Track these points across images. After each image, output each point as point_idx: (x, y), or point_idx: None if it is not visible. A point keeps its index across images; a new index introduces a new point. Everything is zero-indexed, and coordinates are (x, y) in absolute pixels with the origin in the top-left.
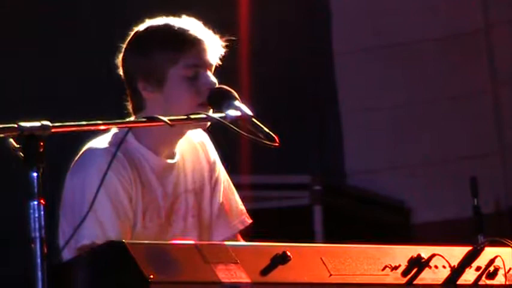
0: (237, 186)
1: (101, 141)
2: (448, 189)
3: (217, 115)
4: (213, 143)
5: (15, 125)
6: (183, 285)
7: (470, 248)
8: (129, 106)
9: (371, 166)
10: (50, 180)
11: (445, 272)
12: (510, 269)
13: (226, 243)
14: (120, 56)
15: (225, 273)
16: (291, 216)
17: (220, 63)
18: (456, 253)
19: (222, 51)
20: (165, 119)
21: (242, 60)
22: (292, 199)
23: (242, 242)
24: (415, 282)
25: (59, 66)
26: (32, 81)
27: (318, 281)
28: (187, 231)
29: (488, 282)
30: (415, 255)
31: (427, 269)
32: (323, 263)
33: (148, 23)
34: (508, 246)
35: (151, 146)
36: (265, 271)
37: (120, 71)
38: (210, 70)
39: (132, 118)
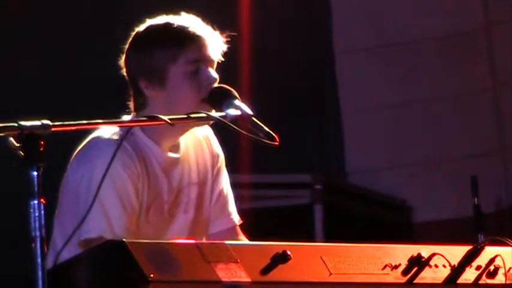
0: (238, 185)
1: (108, 132)
2: (448, 188)
3: (217, 114)
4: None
5: (16, 124)
6: (184, 284)
7: (470, 247)
8: (131, 105)
9: (371, 165)
10: (50, 179)
11: (446, 271)
12: (510, 268)
13: (227, 242)
14: (123, 56)
15: (225, 272)
16: (291, 215)
17: (222, 59)
18: (456, 252)
19: (223, 47)
20: (166, 118)
21: (242, 60)
22: (292, 198)
23: (242, 242)
24: (415, 281)
25: (59, 66)
26: (32, 81)
27: (318, 280)
28: (188, 223)
29: (489, 281)
30: (416, 255)
31: (427, 268)
32: (323, 262)
33: (149, 22)
34: (508, 245)
35: (156, 139)
36: (266, 270)
37: (123, 72)
38: (212, 66)
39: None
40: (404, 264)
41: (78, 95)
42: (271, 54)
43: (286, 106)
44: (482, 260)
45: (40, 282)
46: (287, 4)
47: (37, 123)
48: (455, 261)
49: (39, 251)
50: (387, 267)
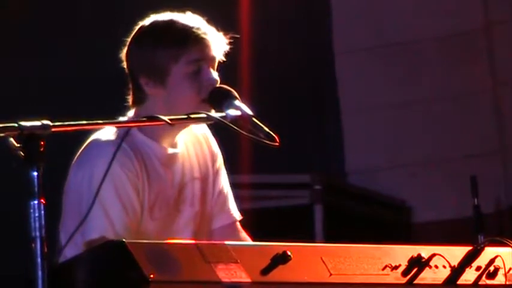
0: (237, 186)
1: (107, 133)
2: (448, 188)
3: (217, 115)
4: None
5: (16, 124)
6: (183, 285)
7: (470, 247)
8: (130, 99)
9: (371, 165)
10: (50, 180)
11: (445, 272)
12: (510, 268)
13: (227, 242)
14: (125, 50)
15: (225, 273)
16: (291, 215)
17: (224, 59)
18: (456, 253)
19: (225, 47)
20: (166, 118)
21: (242, 60)
22: (292, 198)
23: (242, 242)
24: (415, 282)
25: (59, 66)
26: (32, 81)
27: (318, 280)
28: (194, 218)
29: (489, 282)
30: (415, 255)
31: (427, 268)
32: (323, 262)
33: (154, 17)
34: (508, 246)
35: (154, 136)
36: (266, 271)
37: (124, 65)
38: (213, 66)
39: (132, 112)
40: (404, 264)
41: (78, 95)
42: (271, 54)
43: (286, 106)
44: (482, 260)
45: (40, 282)
46: (287, 4)
47: (37, 123)
48: (455, 262)
49: (39, 251)
50: (387, 268)
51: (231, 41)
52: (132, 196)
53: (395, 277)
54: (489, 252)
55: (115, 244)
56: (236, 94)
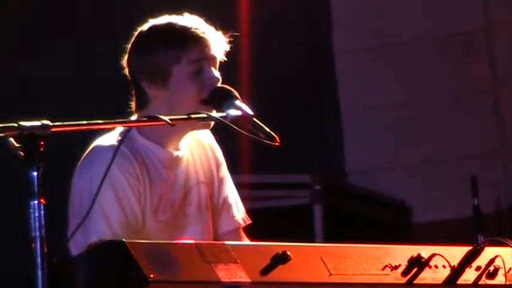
0: (238, 186)
1: (107, 139)
2: (448, 188)
3: (218, 114)
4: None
5: (16, 125)
6: (183, 285)
7: (470, 247)
8: (133, 104)
9: (371, 165)
10: (50, 180)
11: (445, 272)
12: (510, 268)
13: (227, 242)
14: (125, 56)
15: (225, 273)
16: (291, 215)
17: (225, 59)
18: (456, 253)
19: (225, 46)
20: (166, 118)
21: (242, 60)
22: (292, 198)
23: (242, 242)
24: (415, 281)
25: (59, 66)
26: (32, 81)
27: (318, 280)
28: (201, 222)
29: (488, 282)
30: (415, 255)
31: (427, 268)
32: (323, 262)
33: (152, 22)
34: (508, 246)
35: (157, 140)
36: (265, 271)
37: (126, 71)
38: (214, 66)
39: (135, 117)
40: (404, 264)
41: (78, 95)
42: (271, 54)
43: (286, 106)
44: (482, 260)
45: (40, 282)
46: (287, 4)
47: (37, 123)
48: (455, 262)
49: (39, 251)
50: (387, 268)
51: (231, 40)
52: (132, 199)
53: (395, 277)
54: (489, 252)
55: (115, 244)
56: (237, 94)
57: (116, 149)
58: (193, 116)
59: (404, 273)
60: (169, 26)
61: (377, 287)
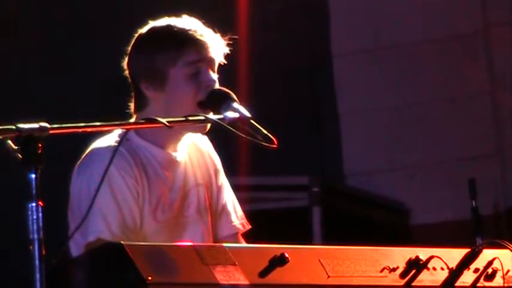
0: (236, 188)
1: (105, 141)
2: (446, 190)
3: (215, 117)
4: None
5: (14, 127)
6: (181, 287)
7: (468, 249)
8: (132, 106)
9: (370, 167)
10: (48, 182)
11: (443, 274)
12: (508, 270)
13: (225, 244)
14: (126, 59)
15: (223, 275)
16: (289, 217)
17: (225, 62)
18: (454, 255)
19: (224, 49)
20: (164, 120)
21: (241, 62)
22: (290, 200)
23: (240, 244)
24: (413, 284)
25: (59, 67)
26: (32, 81)
27: (316, 282)
28: (201, 224)
29: (487, 284)
30: (414, 257)
31: (425, 270)
32: (321, 264)
33: (151, 24)
34: (506, 248)
35: (155, 141)
36: (264, 273)
37: (126, 73)
38: (212, 68)
39: (133, 119)
40: (402, 266)
41: (78, 95)
42: (270, 55)
43: (284, 108)
44: (480, 262)
45: (38, 284)
46: (287, 4)
47: (35, 125)
48: (453, 264)
49: (37, 253)
50: (385, 270)
51: (230, 42)
52: (130, 200)
53: (394, 279)
54: (487, 254)
55: (113, 246)
56: (234, 96)
57: (114, 150)
58: (190, 118)
59: (403, 275)
60: (168, 28)
61: None
